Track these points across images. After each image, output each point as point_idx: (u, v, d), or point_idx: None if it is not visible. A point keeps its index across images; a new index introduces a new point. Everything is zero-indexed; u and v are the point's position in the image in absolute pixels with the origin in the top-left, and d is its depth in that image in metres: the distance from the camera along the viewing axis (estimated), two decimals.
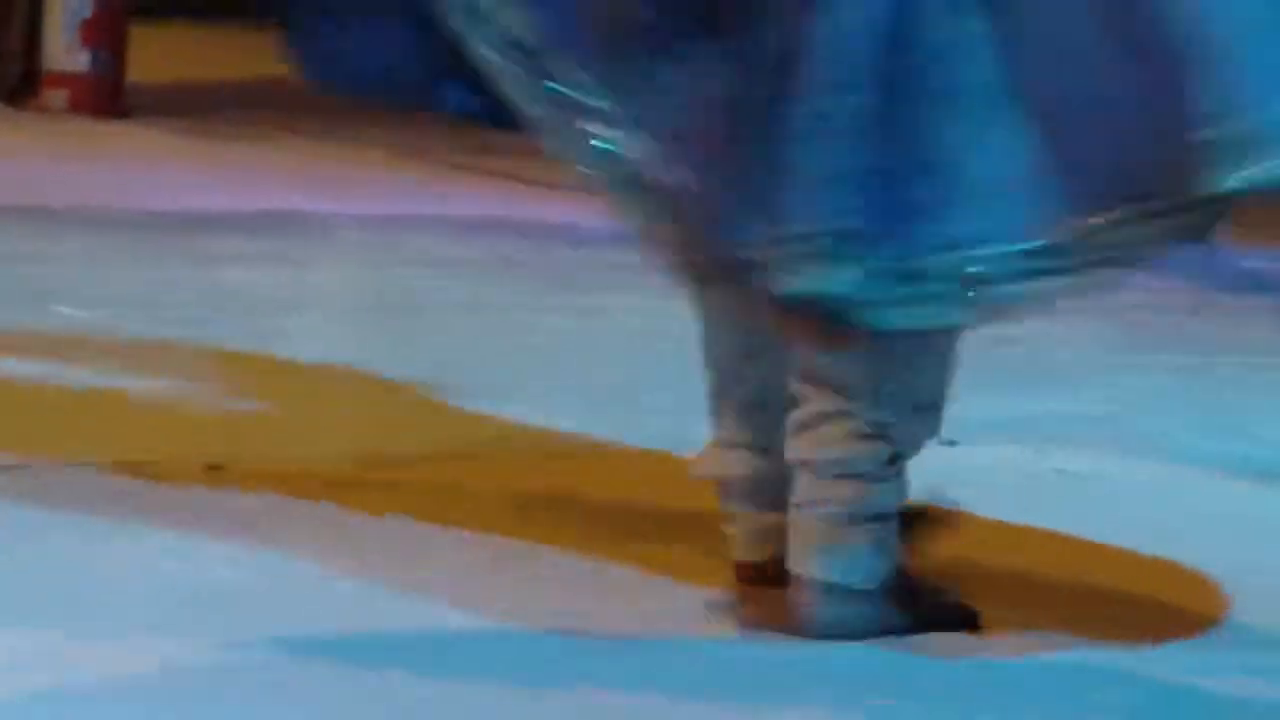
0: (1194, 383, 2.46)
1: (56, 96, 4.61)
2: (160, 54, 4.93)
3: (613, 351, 2.52)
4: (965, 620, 1.53)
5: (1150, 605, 1.67)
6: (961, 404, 2.17)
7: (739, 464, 1.56)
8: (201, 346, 2.45)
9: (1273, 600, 1.66)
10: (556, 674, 1.39)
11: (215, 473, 1.86)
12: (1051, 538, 1.83)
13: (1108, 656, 1.51)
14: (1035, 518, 1.86)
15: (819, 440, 1.48)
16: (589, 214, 1.98)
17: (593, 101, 1.37)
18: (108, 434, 2.00)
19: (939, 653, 1.50)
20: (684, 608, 1.55)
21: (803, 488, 1.48)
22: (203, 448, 1.95)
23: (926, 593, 1.54)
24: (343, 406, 2.22)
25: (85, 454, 1.87)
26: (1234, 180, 1.34)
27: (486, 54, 1.38)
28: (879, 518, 1.48)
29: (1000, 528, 1.84)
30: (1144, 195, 1.37)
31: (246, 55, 4.81)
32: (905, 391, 1.49)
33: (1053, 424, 2.26)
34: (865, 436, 1.47)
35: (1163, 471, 2.13)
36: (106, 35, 4.61)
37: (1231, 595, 1.66)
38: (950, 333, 1.49)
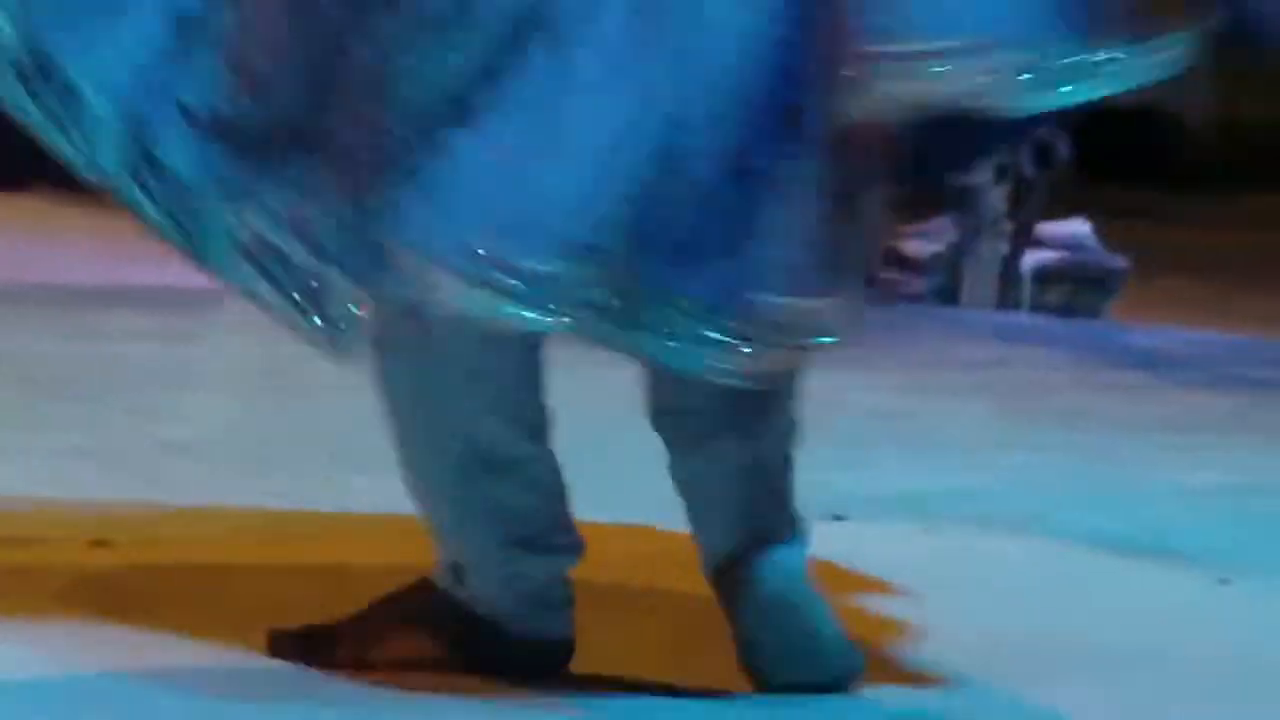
0: (1078, 459, 2.51)
1: None
2: None
3: None
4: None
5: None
6: (850, 478, 2.21)
7: None
8: (89, 419, 2.43)
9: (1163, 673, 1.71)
10: None
11: (100, 549, 1.83)
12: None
13: None
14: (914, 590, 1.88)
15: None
16: None
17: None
18: None
19: None
20: None
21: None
22: (86, 524, 1.91)
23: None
24: (231, 484, 2.16)
25: None
26: None
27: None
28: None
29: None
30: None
31: None
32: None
33: (938, 501, 2.29)
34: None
35: (1041, 548, 2.16)
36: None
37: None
38: None
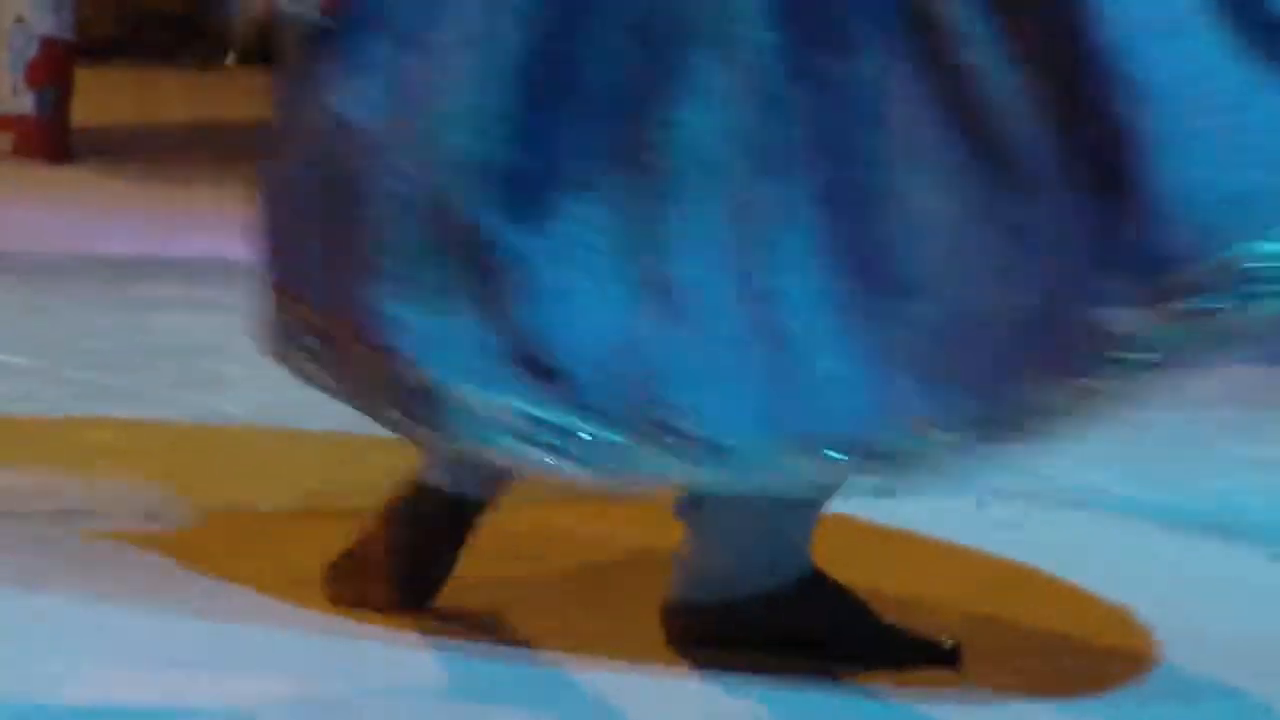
0: (1129, 439, 2.49)
1: (1, 139, 4.61)
2: (105, 96, 4.92)
3: None
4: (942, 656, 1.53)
5: (1087, 653, 1.68)
6: None
7: None
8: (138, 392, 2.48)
9: (1201, 649, 1.68)
10: None
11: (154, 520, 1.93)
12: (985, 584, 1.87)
13: (1048, 708, 1.53)
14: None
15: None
16: None
17: None
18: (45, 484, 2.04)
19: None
20: None
21: None
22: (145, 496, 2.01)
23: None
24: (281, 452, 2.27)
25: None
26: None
27: None
28: None
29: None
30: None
31: (191, 97, 4.78)
32: None
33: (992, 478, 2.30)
34: None
35: (1100, 522, 2.17)
36: (51, 77, 4.58)
37: (1163, 643, 1.68)
38: None
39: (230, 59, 5.87)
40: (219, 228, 3.87)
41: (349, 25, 1.33)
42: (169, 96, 5.39)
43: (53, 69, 4.60)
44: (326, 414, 1.77)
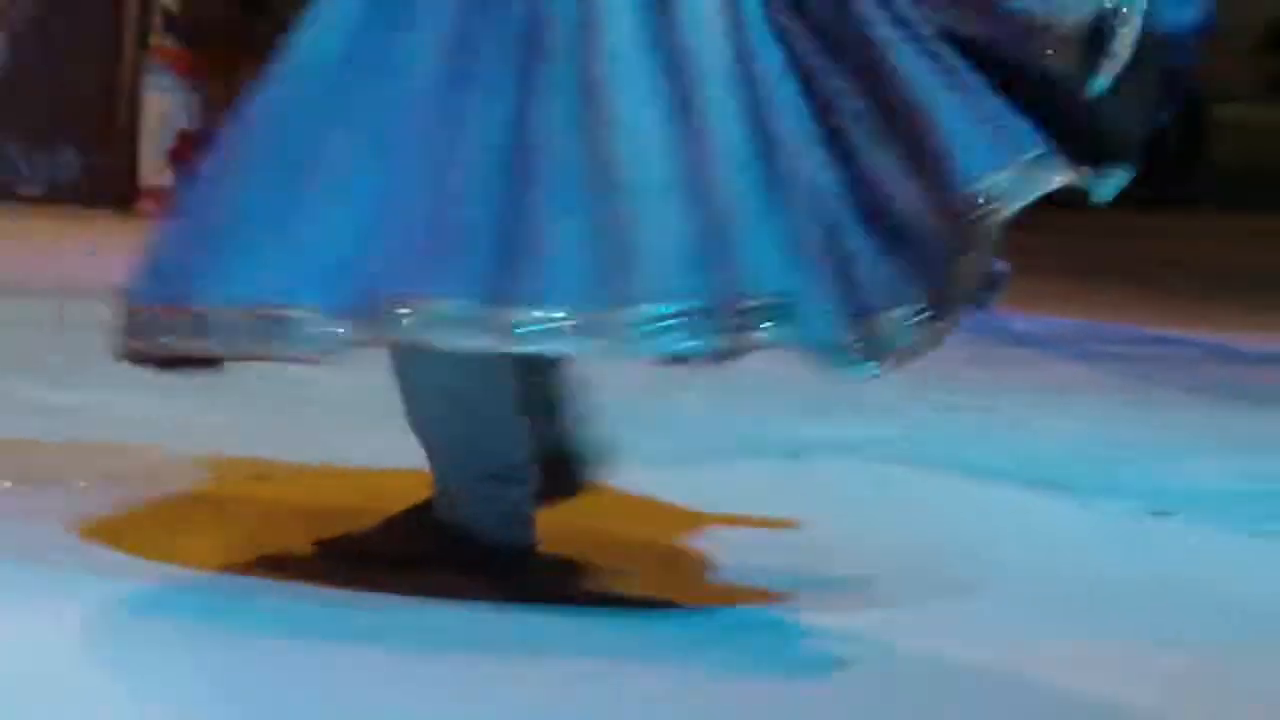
0: (975, 416, 3.28)
1: (153, 208, 5.46)
2: None
3: None
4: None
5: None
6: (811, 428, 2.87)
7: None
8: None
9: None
10: None
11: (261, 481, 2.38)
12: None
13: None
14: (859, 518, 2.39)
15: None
16: None
17: None
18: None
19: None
20: None
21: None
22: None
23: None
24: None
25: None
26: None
27: None
28: None
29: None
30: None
31: None
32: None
33: (872, 446, 2.90)
34: None
35: (958, 482, 2.69)
36: (187, 157, 5.57)
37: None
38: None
39: None
40: None
41: None
42: None
43: (187, 151, 5.68)
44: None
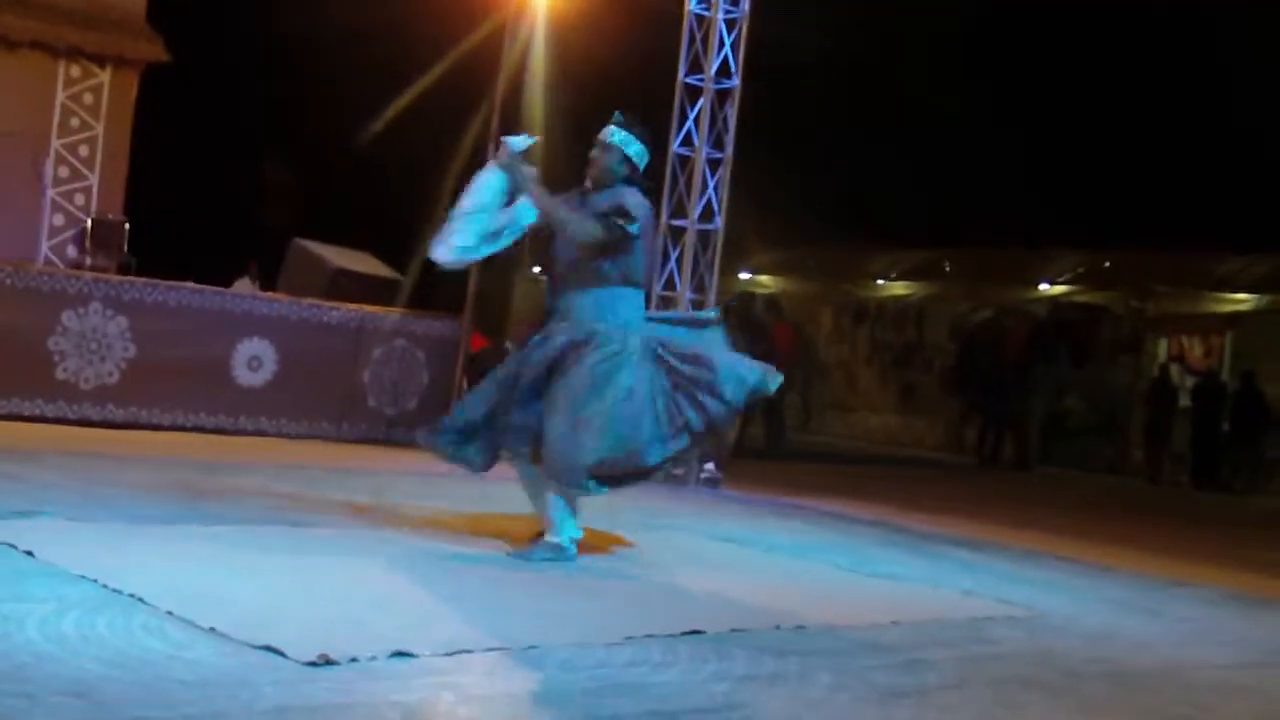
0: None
1: None
2: None
3: None
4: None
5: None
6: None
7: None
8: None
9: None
10: None
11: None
12: None
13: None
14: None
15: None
16: None
17: None
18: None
19: None
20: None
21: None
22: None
23: None
24: None
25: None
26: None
27: None
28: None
29: None
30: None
31: None
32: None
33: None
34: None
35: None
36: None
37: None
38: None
39: None
40: None
41: None
42: None
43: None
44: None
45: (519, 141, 5.50)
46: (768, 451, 13.44)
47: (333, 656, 3.33)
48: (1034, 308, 19.55)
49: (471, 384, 10.24)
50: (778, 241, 21.21)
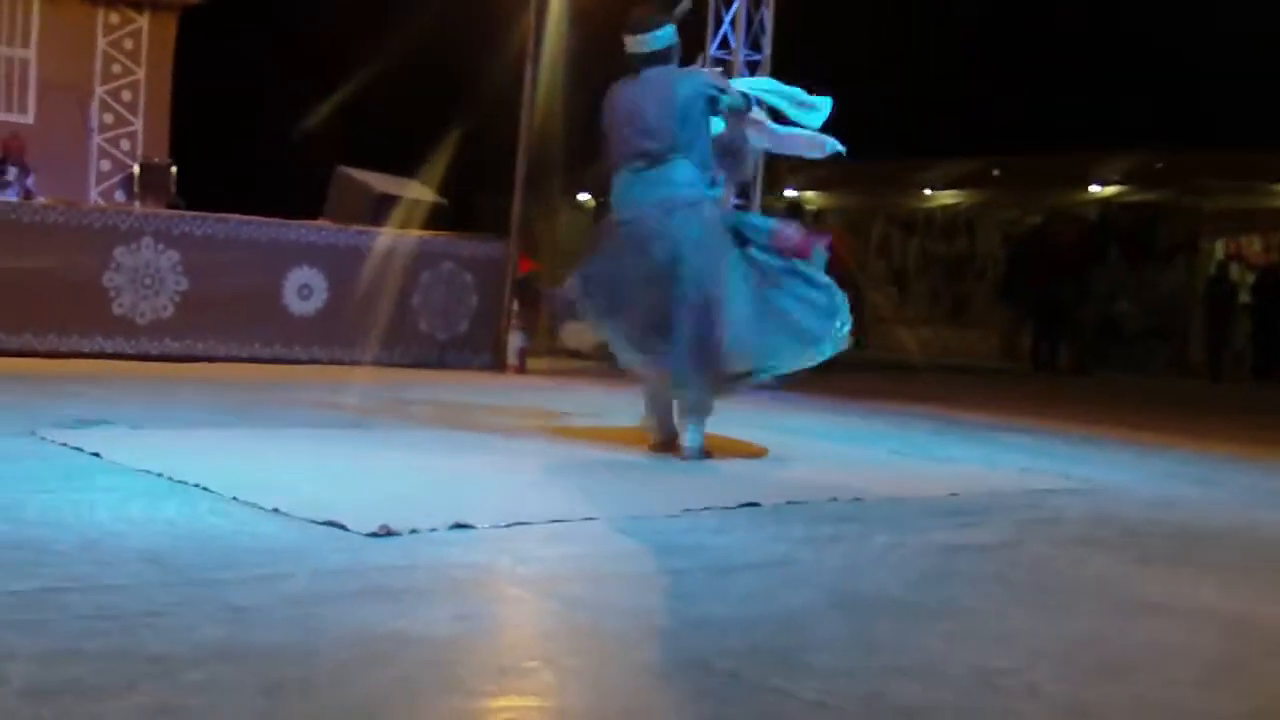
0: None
1: None
2: None
3: None
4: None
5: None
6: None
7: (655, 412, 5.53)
8: None
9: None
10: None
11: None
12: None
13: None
14: None
15: (682, 410, 5.31)
16: None
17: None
18: None
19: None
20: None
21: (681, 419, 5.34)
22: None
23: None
24: None
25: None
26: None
27: None
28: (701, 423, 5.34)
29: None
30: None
31: None
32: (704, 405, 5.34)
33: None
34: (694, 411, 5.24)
35: None
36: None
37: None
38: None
39: None
40: None
41: None
42: None
43: None
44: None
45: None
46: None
47: (394, 528, 3.38)
48: (1085, 210, 19.32)
49: (523, 307, 10.29)
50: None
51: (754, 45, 9.25)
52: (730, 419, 5.95)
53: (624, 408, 6.52)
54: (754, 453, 5.65)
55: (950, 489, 4.98)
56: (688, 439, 5.32)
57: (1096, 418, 9.36)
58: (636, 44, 5.32)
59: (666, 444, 5.45)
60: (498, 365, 10.13)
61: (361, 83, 16.05)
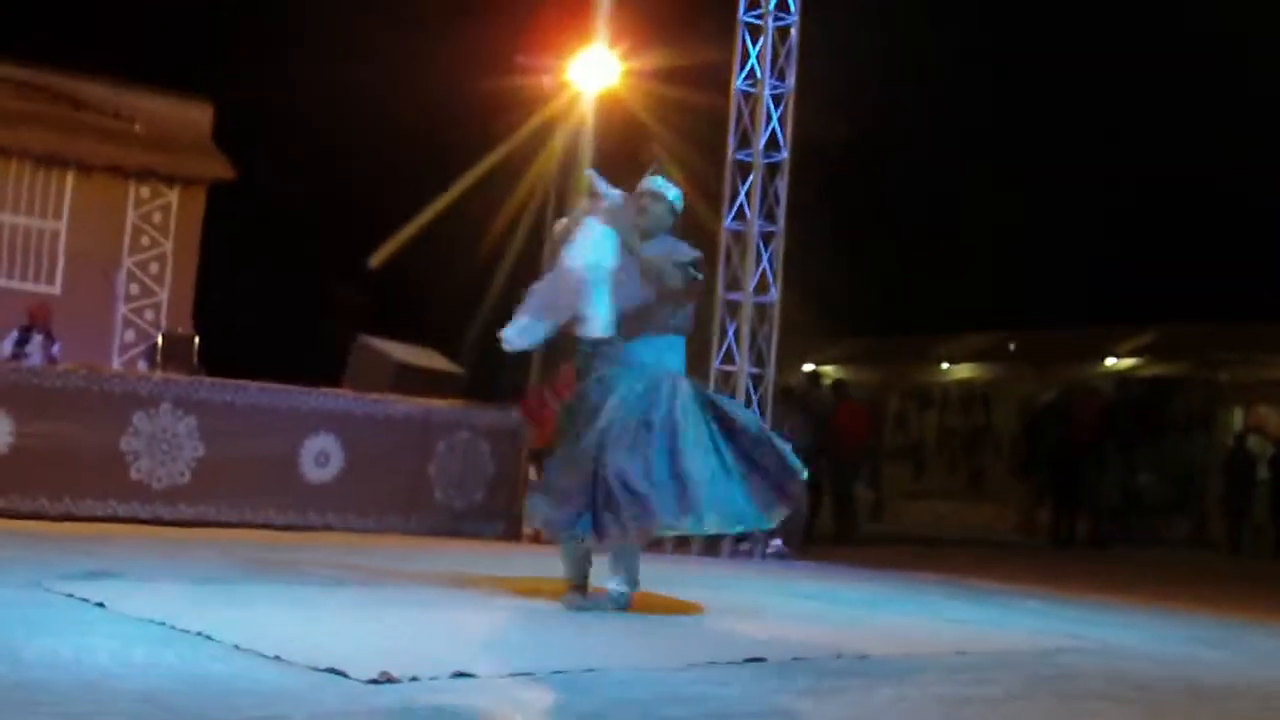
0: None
1: None
2: None
3: None
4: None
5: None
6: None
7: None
8: None
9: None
10: None
11: None
12: None
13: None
14: None
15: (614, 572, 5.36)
16: None
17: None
18: None
19: None
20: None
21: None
22: None
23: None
24: None
25: None
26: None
27: None
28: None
29: None
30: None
31: None
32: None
33: None
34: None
35: None
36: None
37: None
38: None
39: None
40: None
41: None
42: None
43: None
44: None
45: (611, 192, 5.33)
46: (838, 538, 13.30)
47: (394, 675, 3.37)
48: (1101, 383, 19.40)
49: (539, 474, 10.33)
50: (839, 332, 21.26)
51: (769, 216, 9.45)
52: (741, 584, 5.90)
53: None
54: (687, 609, 5.60)
55: (959, 647, 4.93)
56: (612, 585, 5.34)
57: (1111, 586, 9.26)
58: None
59: (581, 588, 5.42)
60: (513, 534, 10.11)
61: (387, 256, 16.39)
